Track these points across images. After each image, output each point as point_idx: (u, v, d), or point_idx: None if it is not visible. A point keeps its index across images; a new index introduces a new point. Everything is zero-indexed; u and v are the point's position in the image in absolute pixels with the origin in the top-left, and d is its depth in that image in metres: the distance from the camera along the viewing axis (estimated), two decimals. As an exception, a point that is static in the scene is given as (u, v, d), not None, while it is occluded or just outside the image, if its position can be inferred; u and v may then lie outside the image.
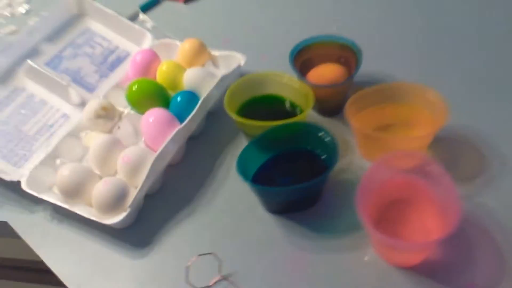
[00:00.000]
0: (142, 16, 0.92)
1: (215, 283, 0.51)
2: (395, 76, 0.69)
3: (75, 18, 0.80)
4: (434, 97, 0.57)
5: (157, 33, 0.82)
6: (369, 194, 0.50)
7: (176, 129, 0.61)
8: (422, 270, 0.50)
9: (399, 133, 0.61)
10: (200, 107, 0.63)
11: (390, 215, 0.53)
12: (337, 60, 0.67)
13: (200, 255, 0.53)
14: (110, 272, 0.55)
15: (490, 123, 0.62)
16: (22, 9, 0.99)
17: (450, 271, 0.50)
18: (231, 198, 0.60)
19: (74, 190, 0.57)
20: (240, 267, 0.53)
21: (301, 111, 0.63)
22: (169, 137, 0.60)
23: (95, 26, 0.81)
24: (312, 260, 0.53)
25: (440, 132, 0.56)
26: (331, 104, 0.66)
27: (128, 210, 0.55)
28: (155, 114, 0.63)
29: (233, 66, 0.70)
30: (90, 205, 0.58)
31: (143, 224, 0.59)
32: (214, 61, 0.74)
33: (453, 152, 0.60)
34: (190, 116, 0.62)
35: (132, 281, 0.54)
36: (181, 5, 0.96)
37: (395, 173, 0.53)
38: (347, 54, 0.66)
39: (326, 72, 0.66)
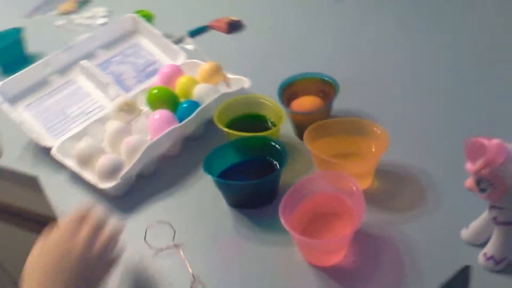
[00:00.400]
0: (188, 39, 1.10)
1: (167, 247, 0.65)
2: (363, 111, 0.80)
3: (129, 34, 1.00)
4: (379, 130, 0.67)
5: (196, 55, 0.99)
6: (296, 203, 0.61)
7: (172, 127, 0.76)
8: (333, 271, 0.59)
9: (349, 159, 0.71)
10: (197, 113, 0.78)
11: (317, 224, 0.63)
12: (317, 94, 0.79)
13: (158, 221, 0.66)
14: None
15: (434, 160, 0.71)
16: (100, 21, 1.22)
17: (355, 275, 0.59)
18: (204, 190, 0.73)
19: (85, 159, 0.74)
20: (190, 240, 0.66)
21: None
22: (164, 132, 0.75)
23: (144, 42, 1.00)
24: (250, 248, 0.64)
25: (388, 165, 0.66)
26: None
27: (119, 180, 0.71)
28: (160, 113, 0.79)
29: (238, 87, 0.85)
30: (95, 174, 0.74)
31: (132, 196, 0.74)
32: (227, 82, 0.89)
33: (395, 183, 0.69)
34: (186, 119, 0.77)
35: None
36: (223, 35, 1.13)
37: (323, 189, 0.63)
38: (327, 89, 0.78)
39: (306, 102, 0.78)
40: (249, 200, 0.68)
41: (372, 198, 0.66)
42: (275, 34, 1.12)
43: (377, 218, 0.65)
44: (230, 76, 0.89)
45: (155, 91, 0.84)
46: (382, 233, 0.63)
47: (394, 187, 0.69)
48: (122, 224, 0.60)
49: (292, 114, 0.77)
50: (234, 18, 1.15)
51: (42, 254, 0.54)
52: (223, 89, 0.86)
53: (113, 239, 0.58)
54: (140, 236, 0.66)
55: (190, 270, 0.61)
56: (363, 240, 0.62)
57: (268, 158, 0.71)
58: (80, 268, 0.53)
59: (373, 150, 0.68)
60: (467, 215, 0.60)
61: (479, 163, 0.51)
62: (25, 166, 0.83)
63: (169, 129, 0.75)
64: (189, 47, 1.07)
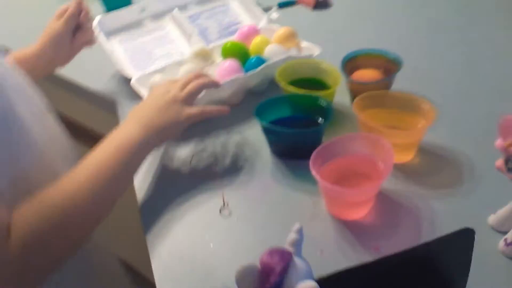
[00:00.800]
0: (274, 8, 1.16)
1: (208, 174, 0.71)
2: (417, 90, 0.80)
3: (221, -6, 1.08)
4: (428, 106, 0.69)
5: (277, 23, 1.05)
6: (330, 157, 0.65)
7: (236, 76, 0.82)
8: (352, 225, 0.63)
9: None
10: (262, 68, 0.84)
11: (347, 181, 0.66)
12: (380, 70, 0.81)
13: (204, 151, 0.73)
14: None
15: (478, 147, 0.71)
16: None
17: (371, 233, 0.62)
18: (253, 137, 0.79)
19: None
20: (230, 174, 0.72)
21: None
22: (232, 78, 0.82)
23: (233, 3, 1.07)
24: (280, 192, 0.69)
25: (432, 145, 0.68)
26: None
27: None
28: (230, 62, 0.86)
29: (307, 53, 0.89)
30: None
31: (187, 130, 0.82)
32: (299, 48, 0.94)
33: (436, 161, 0.70)
34: (250, 72, 0.83)
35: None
36: (308, 10, 1.18)
37: (359, 150, 0.66)
38: (391, 67, 0.80)
39: (366, 74, 0.81)
40: (291, 150, 0.73)
41: (409, 171, 0.69)
42: (357, 14, 1.15)
43: (409, 189, 0.66)
44: (302, 43, 0.94)
45: (229, 44, 0.91)
46: (409, 203, 0.65)
47: (433, 165, 0.70)
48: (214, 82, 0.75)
49: (350, 82, 0.80)
50: (323, -4, 1.20)
51: (144, 101, 0.72)
52: (292, 52, 0.91)
53: (200, 88, 0.74)
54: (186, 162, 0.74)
55: (224, 196, 0.68)
56: (388, 204, 0.64)
57: (315, 116, 0.75)
58: (165, 109, 0.69)
59: (419, 126, 0.70)
60: (499, 203, 0.60)
61: (509, 140, 0.52)
62: (108, 91, 0.94)
63: (233, 77, 0.82)
64: (274, 15, 1.13)
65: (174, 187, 0.72)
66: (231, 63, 0.85)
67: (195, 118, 0.72)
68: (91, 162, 0.60)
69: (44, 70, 0.86)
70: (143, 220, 0.67)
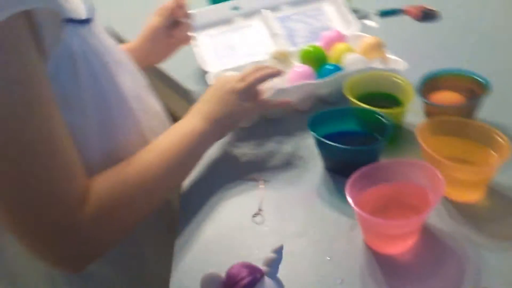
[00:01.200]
0: (373, 17, 1.10)
1: (252, 178, 0.70)
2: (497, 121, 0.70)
3: (317, -1, 1.05)
4: (503, 139, 0.60)
5: (373, 32, 0.99)
6: (374, 182, 0.59)
7: (306, 81, 0.79)
8: (386, 260, 0.57)
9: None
10: (334, 77, 0.80)
11: (390, 211, 0.60)
12: (464, 92, 0.72)
13: (253, 154, 0.72)
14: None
15: None
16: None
17: (407, 272, 0.55)
18: (308, 148, 0.75)
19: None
20: (274, 180, 0.70)
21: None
22: (298, 83, 0.79)
23: (327, 8, 1.04)
24: (321, 208, 0.65)
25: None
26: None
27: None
28: (303, 67, 0.83)
29: (391, 67, 0.83)
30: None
31: (250, 129, 0.81)
32: (385, 60, 0.88)
33: (503, 207, 0.61)
34: (322, 79, 0.80)
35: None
36: (414, 21, 1.10)
37: (409, 177, 0.59)
38: (477, 89, 0.71)
39: (445, 97, 0.73)
40: (343, 167, 0.68)
41: (469, 212, 0.61)
42: (463, 30, 1.04)
43: (462, 232, 0.58)
44: (388, 55, 0.88)
45: (310, 48, 0.88)
46: (458, 247, 0.57)
47: (499, 210, 0.61)
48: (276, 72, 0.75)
49: (426, 104, 0.72)
50: (430, 8, 1.10)
51: (205, 93, 0.73)
52: (374, 63, 0.85)
53: (260, 79, 0.73)
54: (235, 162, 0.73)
55: (260, 202, 0.66)
56: (433, 245, 0.58)
57: (375, 134, 0.69)
58: (224, 101, 0.70)
59: (494, 159, 0.61)
60: None
61: None
62: (189, 82, 0.97)
63: (302, 82, 0.79)
64: (371, 24, 1.07)
65: (217, 182, 0.72)
66: (304, 69, 0.83)
67: (253, 109, 0.72)
68: (160, 147, 0.63)
69: (141, 65, 0.87)
70: (182, 206, 0.69)
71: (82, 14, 0.56)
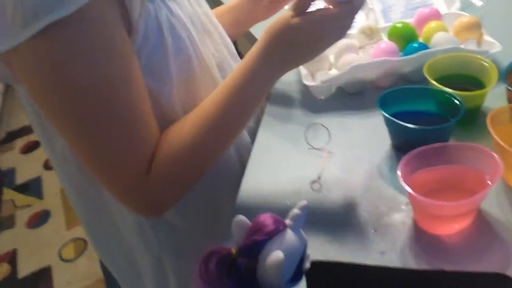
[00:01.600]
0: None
1: (318, 147, 0.73)
2: None
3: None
4: None
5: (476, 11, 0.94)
6: (431, 162, 0.59)
7: (387, 58, 0.79)
8: (433, 239, 0.57)
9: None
10: (418, 55, 0.78)
11: (445, 194, 0.59)
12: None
13: (321, 124, 0.74)
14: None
15: None
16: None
17: (450, 253, 0.55)
18: (379, 125, 0.75)
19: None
20: (339, 153, 0.72)
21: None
22: (378, 59, 0.79)
23: (430, -17, 1.00)
24: (380, 185, 0.66)
25: None
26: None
27: (319, 83, 0.81)
28: (387, 44, 0.83)
29: (483, 49, 0.79)
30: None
31: (327, 101, 0.83)
32: (480, 42, 0.83)
33: None
34: (405, 57, 0.79)
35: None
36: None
37: (467, 162, 0.58)
38: None
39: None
40: (411, 147, 0.68)
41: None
42: None
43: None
44: (485, 37, 0.83)
45: (399, 25, 0.86)
46: (510, 238, 0.55)
47: None
48: None
49: (508, 90, 0.69)
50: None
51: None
52: (464, 44, 0.81)
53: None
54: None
55: (321, 171, 0.69)
56: (483, 232, 0.56)
57: (447, 115, 0.68)
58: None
59: None
60: None
61: None
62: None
63: (383, 58, 0.79)
64: (477, 2, 1.00)
65: (284, 144, 0.76)
66: (388, 45, 0.82)
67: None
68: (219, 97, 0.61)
69: (246, 23, 0.88)
70: (249, 162, 0.74)
71: None
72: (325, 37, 0.59)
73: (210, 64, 0.68)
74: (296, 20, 0.58)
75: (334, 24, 0.59)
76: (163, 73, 0.61)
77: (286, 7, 0.76)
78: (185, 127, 0.60)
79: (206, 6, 0.74)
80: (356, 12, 0.59)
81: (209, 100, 0.61)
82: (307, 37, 0.59)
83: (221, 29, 0.76)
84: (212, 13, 0.76)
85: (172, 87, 0.62)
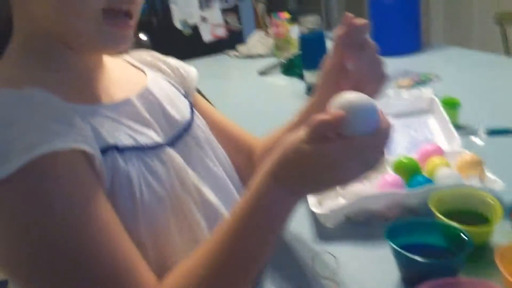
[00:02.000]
0: (481, 134, 1.10)
1: (325, 276, 0.73)
2: None
3: (422, 111, 1.09)
4: None
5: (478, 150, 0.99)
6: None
7: (393, 190, 0.82)
8: None
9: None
10: (422, 190, 0.81)
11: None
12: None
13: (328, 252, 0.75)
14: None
15: None
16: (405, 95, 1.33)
17: None
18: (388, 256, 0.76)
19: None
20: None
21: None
22: (387, 191, 0.82)
23: (431, 122, 1.07)
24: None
25: None
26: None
27: (328, 212, 0.83)
28: (393, 177, 0.86)
29: (486, 186, 0.82)
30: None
31: (335, 229, 0.84)
32: (482, 178, 0.87)
33: None
34: (410, 190, 0.82)
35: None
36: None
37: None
38: None
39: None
40: (418, 279, 0.68)
41: None
42: None
43: None
44: (489, 175, 0.87)
45: (404, 160, 0.91)
46: None
47: None
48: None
49: (515, 226, 0.70)
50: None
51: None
52: (467, 181, 0.85)
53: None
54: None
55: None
56: None
57: (453, 250, 0.68)
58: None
59: None
60: None
61: None
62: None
63: (391, 190, 0.82)
64: (476, 141, 1.06)
65: (292, 275, 0.75)
66: (394, 178, 0.86)
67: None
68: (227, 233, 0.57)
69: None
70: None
71: (149, 140, 0.62)
72: (342, 172, 0.53)
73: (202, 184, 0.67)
74: (306, 147, 0.52)
75: (353, 158, 0.52)
76: (131, 225, 0.58)
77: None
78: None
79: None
80: (382, 145, 0.53)
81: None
82: (317, 168, 0.53)
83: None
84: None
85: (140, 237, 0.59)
